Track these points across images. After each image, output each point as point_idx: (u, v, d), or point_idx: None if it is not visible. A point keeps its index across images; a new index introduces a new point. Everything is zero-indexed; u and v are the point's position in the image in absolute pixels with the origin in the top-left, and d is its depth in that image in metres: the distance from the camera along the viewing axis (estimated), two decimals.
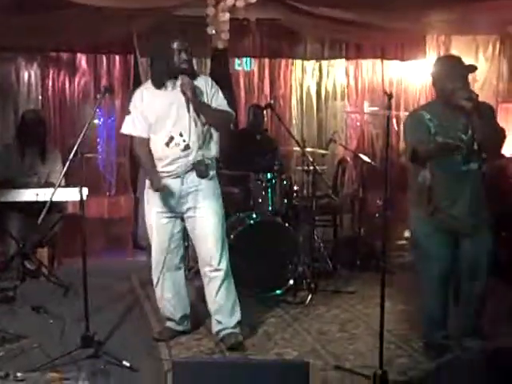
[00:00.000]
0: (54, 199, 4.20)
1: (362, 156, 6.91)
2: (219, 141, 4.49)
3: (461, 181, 3.97)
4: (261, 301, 5.44)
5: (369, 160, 6.90)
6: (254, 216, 5.75)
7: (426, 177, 4.00)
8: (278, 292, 5.63)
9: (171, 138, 4.27)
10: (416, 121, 4.08)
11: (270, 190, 5.93)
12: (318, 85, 8.08)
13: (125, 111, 4.58)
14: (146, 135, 4.37)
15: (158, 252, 4.48)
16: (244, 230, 5.59)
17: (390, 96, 3.84)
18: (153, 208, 4.44)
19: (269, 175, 5.96)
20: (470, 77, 4.06)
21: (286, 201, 6.05)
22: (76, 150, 4.06)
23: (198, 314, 4.86)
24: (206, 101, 4.34)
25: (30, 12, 6.11)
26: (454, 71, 3.98)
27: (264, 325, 4.93)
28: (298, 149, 6.24)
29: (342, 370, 4.02)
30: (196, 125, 4.25)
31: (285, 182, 6.06)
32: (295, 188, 6.28)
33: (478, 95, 3.87)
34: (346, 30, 7.31)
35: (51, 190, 4.44)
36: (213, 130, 4.39)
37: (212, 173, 4.42)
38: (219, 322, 4.44)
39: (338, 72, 8.10)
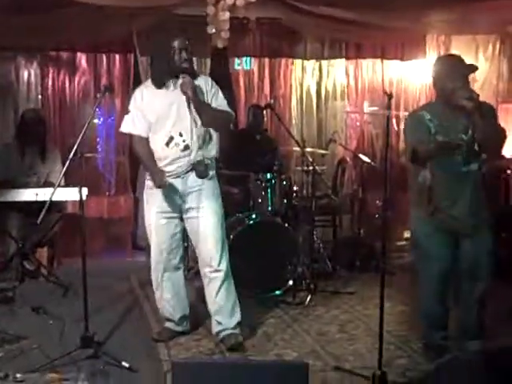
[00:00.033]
0: (53, 199, 4.22)
1: (361, 156, 6.91)
2: (219, 141, 4.49)
3: (461, 181, 3.96)
4: (260, 301, 5.44)
5: (368, 160, 6.90)
6: (254, 216, 5.75)
7: (426, 177, 3.99)
8: (277, 293, 5.62)
9: (171, 138, 4.27)
10: (416, 121, 4.07)
11: (269, 191, 5.93)
12: (318, 84, 8.06)
13: (125, 110, 4.57)
14: (145, 134, 4.36)
15: (157, 252, 4.47)
16: (243, 230, 5.59)
17: (389, 96, 3.84)
18: (152, 208, 4.43)
19: (268, 175, 5.95)
20: (470, 77, 4.05)
21: (285, 201, 6.05)
22: (76, 150, 4.06)
23: (197, 315, 4.85)
24: (206, 101, 4.34)
25: (30, 11, 6.10)
26: (454, 71, 3.96)
27: (263, 325, 4.92)
28: (297, 149, 6.24)
29: (342, 371, 4.02)
30: (196, 125, 4.25)
31: (284, 183, 6.06)
32: (295, 188, 6.27)
33: (478, 95, 3.85)
34: (346, 30, 7.30)
35: (51, 189, 4.44)
36: (212, 130, 4.38)
37: (212, 173, 4.41)
38: (219, 323, 4.43)
39: (337, 72, 8.08)
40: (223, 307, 4.42)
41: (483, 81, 7.63)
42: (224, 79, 7.07)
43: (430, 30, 7.67)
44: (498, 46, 7.89)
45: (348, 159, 7.53)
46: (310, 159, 5.85)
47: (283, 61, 7.92)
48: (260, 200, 5.93)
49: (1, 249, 6.22)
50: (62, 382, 3.76)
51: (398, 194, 6.74)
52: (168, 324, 4.65)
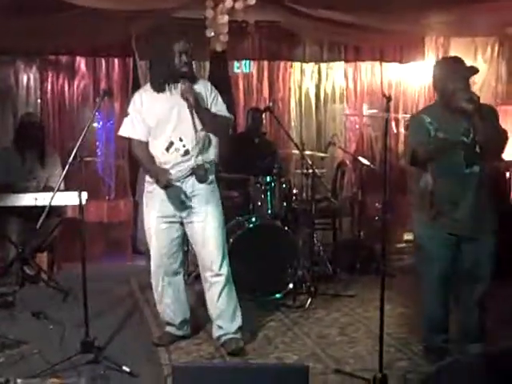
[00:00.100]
0: (53, 203, 4.20)
1: (361, 159, 6.91)
2: (218, 145, 4.48)
3: (463, 183, 3.94)
4: (260, 304, 5.44)
5: (368, 163, 6.90)
6: (254, 220, 5.75)
7: (427, 181, 3.98)
8: (277, 296, 5.62)
9: (171, 143, 4.26)
10: (416, 124, 4.07)
11: (269, 194, 5.92)
12: (317, 87, 8.06)
13: (124, 114, 4.56)
14: (144, 139, 4.35)
15: (157, 257, 4.47)
16: (243, 233, 5.58)
17: (388, 98, 3.84)
18: (152, 212, 4.42)
19: (268, 178, 5.95)
20: (470, 79, 4.04)
21: (285, 204, 6.05)
22: (75, 154, 4.06)
23: (197, 319, 4.85)
24: (205, 106, 4.33)
25: (29, 15, 6.10)
26: (455, 73, 3.94)
27: (264, 329, 4.92)
28: (297, 152, 6.24)
29: (342, 374, 4.02)
30: (196, 130, 4.24)
31: (284, 186, 6.05)
32: (294, 191, 6.28)
33: (479, 97, 3.84)
34: (344, 33, 7.30)
35: (50, 194, 4.44)
36: (212, 135, 4.38)
37: (211, 177, 4.41)
38: (220, 327, 4.43)
39: (336, 74, 8.09)
40: (224, 312, 4.42)
41: (482, 83, 7.62)
42: (223, 82, 7.08)
43: (429, 32, 7.67)
44: (496, 48, 7.89)
45: (347, 162, 7.53)
46: (310, 162, 5.84)
47: (282, 64, 7.93)
48: (260, 203, 5.93)
49: (1, 254, 6.21)
50: None
51: (398, 197, 6.76)
52: (168, 328, 4.64)
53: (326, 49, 7.91)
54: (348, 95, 8.11)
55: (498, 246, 4.04)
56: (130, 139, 4.43)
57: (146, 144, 4.36)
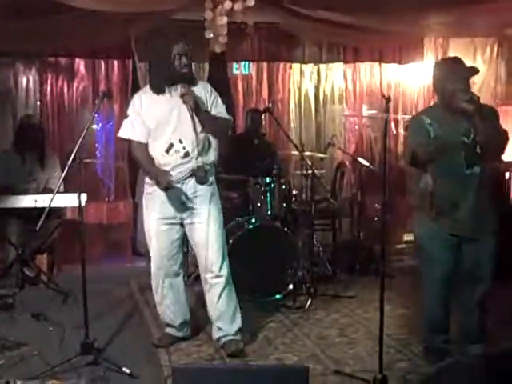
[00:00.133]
0: (52, 205, 4.21)
1: (360, 160, 6.91)
2: (218, 146, 4.48)
3: (464, 184, 3.94)
4: (260, 305, 5.44)
5: (367, 164, 6.90)
6: (253, 221, 5.75)
7: (428, 182, 3.98)
8: (277, 297, 5.62)
9: (171, 145, 4.26)
10: (416, 125, 4.06)
11: (268, 195, 5.92)
12: (317, 88, 8.06)
13: (123, 116, 4.56)
14: (144, 140, 4.35)
15: (157, 259, 4.47)
16: (243, 234, 5.59)
17: (388, 99, 3.84)
18: (152, 213, 4.42)
19: (267, 179, 5.95)
20: (470, 79, 4.03)
21: (284, 205, 6.05)
22: (75, 156, 4.06)
23: (197, 320, 4.86)
24: (205, 108, 4.33)
25: (28, 17, 6.10)
26: (455, 73, 3.93)
27: (264, 330, 4.92)
28: (296, 153, 6.24)
29: (342, 375, 4.02)
30: (196, 131, 4.24)
31: (283, 187, 6.06)
32: (294, 192, 6.28)
33: (479, 97, 3.83)
34: (343, 34, 7.30)
35: (50, 195, 4.44)
36: (211, 136, 4.38)
37: (211, 179, 4.41)
38: (220, 329, 4.43)
39: (336, 75, 8.09)
40: (224, 313, 4.42)
41: (481, 83, 7.62)
42: (222, 84, 7.08)
43: (428, 33, 7.67)
44: (495, 48, 7.89)
45: (347, 163, 7.53)
46: (309, 163, 5.84)
47: (281, 65, 7.92)
48: (259, 204, 5.93)
49: (0, 255, 6.20)
50: None
51: (397, 198, 6.76)
52: (168, 330, 4.64)
53: (325, 50, 7.90)
54: (347, 96, 8.10)
55: (499, 246, 4.04)
56: (129, 141, 4.43)
57: (146, 146, 4.36)
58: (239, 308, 4.51)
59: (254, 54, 7.71)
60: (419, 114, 4.30)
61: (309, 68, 8.00)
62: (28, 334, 4.69)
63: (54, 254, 6.52)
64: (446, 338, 4.17)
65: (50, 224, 5.81)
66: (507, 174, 6.59)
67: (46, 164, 6.24)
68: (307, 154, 6.32)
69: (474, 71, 4.05)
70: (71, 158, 4.04)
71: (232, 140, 6.51)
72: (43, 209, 4.15)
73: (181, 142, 4.26)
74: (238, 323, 4.46)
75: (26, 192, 5.87)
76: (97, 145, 7.65)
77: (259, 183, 5.94)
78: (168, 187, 4.20)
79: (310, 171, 5.83)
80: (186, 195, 4.31)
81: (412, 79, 8.07)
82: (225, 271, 4.39)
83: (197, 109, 4.20)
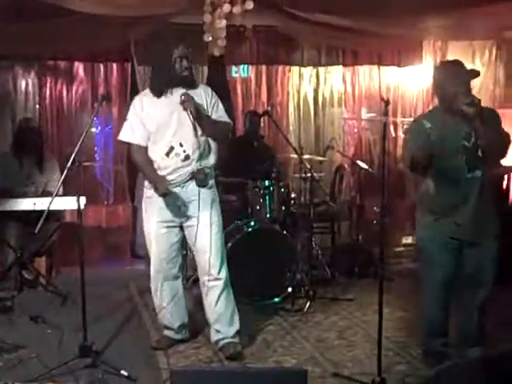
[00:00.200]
0: (51, 208, 4.21)
1: (359, 163, 6.91)
2: (217, 149, 4.48)
3: (465, 188, 3.92)
4: (259, 308, 5.44)
5: (366, 167, 6.90)
6: (252, 224, 5.75)
7: (429, 185, 3.98)
8: (276, 300, 5.62)
9: (171, 148, 4.27)
10: (416, 130, 4.04)
11: (267, 198, 5.93)
12: (315, 91, 8.08)
13: (122, 119, 4.56)
14: (144, 144, 4.35)
15: (156, 262, 4.47)
16: (242, 237, 5.59)
17: (386, 102, 3.85)
18: (151, 217, 4.42)
19: (266, 182, 5.96)
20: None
21: (283, 208, 6.05)
22: (73, 159, 4.07)
23: (196, 323, 4.86)
24: (206, 112, 4.34)
25: (27, 20, 6.10)
26: (455, 76, 3.92)
27: (262, 333, 4.92)
28: (295, 156, 6.24)
29: (341, 378, 4.03)
30: (196, 135, 4.24)
31: (282, 190, 6.06)
32: (293, 195, 6.28)
33: (480, 100, 3.81)
34: (342, 37, 7.30)
35: (49, 198, 4.44)
36: (211, 140, 4.38)
37: (211, 182, 4.41)
38: (218, 332, 4.43)
39: (335, 78, 8.11)
40: (222, 316, 4.42)
41: (480, 86, 7.60)
42: (221, 87, 7.07)
43: (427, 36, 7.68)
44: (494, 51, 7.90)
45: (346, 166, 7.54)
46: (308, 166, 5.85)
47: (280, 68, 7.94)
48: (258, 207, 5.93)
49: None
50: None
51: (396, 201, 6.76)
52: (167, 332, 4.64)
53: (324, 53, 7.92)
54: (346, 99, 8.12)
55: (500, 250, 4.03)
56: (129, 144, 4.44)
57: (146, 149, 4.36)
58: (237, 310, 4.51)
59: (252, 57, 7.72)
60: (419, 118, 4.27)
61: (308, 71, 8.02)
62: (26, 337, 4.69)
63: (53, 257, 6.51)
64: (445, 341, 4.16)
65: (49, 227, 5.81)
66: (506, 179, 6.58)
67: (44, 167, 6.24)
68: (306, 157, 6.31)
69: (475, 74, 4.04)
70: (70, 161, 4.05)
71: (231, 143, 6.50)
72: (42, 212, 4.15)
73: (181, 145, 4.26)
74: (237, 326, 4.46)
75: (24, 195, 5.87)
76: (96, 148, 7.66)
77: (258, 186, 5.94)
78: (165, 193, 4.21)
79: (308, 174, 5.84)
80: (183, 201, 4.31)
81: (411, 82, 8.08)
82: (223, 274, 4.39)
83: (198, 115, 4.20)
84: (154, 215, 4.40)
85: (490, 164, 4.04)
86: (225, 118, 4.48)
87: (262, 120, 7.00)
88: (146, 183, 4.44)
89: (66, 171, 4.07)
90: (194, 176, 4.29)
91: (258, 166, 6.31)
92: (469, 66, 4.11)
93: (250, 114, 6.94)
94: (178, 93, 4.25)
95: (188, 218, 4.36)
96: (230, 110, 6.42)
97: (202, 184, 4.29)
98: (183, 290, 4.67)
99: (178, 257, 4.53)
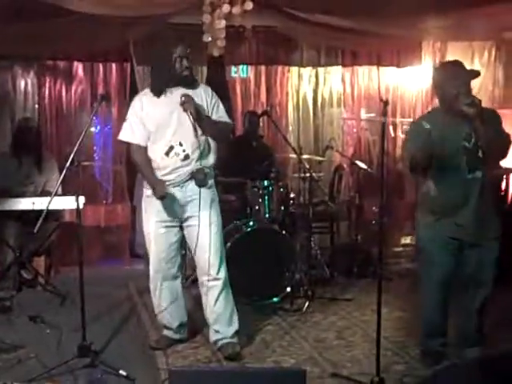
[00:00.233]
0: (50, 208, 4.21)
1: (358, 163, 6.91)
2: (217, 149, 4.48)
3: (466, 189, 3.91)
4: (258, 308, 5.44)
5: (365, 167, 6.90)
6: (251, 223, 5.76)
7: (430, 186, 3.98)
8: (275, 299, 5.62)
9: (171, 148, 4.26)
10: (415, 130, 4.04)
11: (266, 198, 5.93)
12: (315, 92, 8.09)
13: (121, 119, 4.56)
14: (144, 143, 4.35)
15: (155, 261, 4.47)
16: (241, 237, 5.59)
17: (386, 102, 3.85)
18: (151, 217, 4.42)
19: (265, 182, 5.96)
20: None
21: (282, 208, 6.06)
22: (72, 159, 4.06)
23: (195, 323, 4.85)
24: (206, 112, 4.34)
25: (27, 20, 6.09)
26: (456, 77, 3.90)
27: (261, 332, 4.92)
28: (294, 156, 6.25)
29: (339, 378, 4.03)
30: (196, 135, 4.24)
31: (281, 189, 6.07)
32: (292, 195, 6.28)
33: (480, 101, 3.80)
34: (342, 37, 7.31)
35: (48, 198, 4.44)
36: (211, 140, 4.39)
37: (210, 182, 4.41)
38: (217, 332, 4.43)
39: (334, 79, 8.12)
40: (221, 316, 4.42)
41: (479, 87, 7.60)
42: (221, 87, 7.06)
43: (426, 37, 7.68)
44: (493, 52, 7.91)
45: (345, 166, 7.54)
46: (307, 166, 5.86)
47: (280, 68, 7.94)
48: (257, 207, 5.94)
49: None
50: None
51: (395, 201, 6.76)
52: (166, 332, 4.64)
53: (323, 53, 7.93)
54: (345, 99, 8.13)
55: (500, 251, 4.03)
56: (128, 144, 4.44)
57: (145, 149, 4.36)
58: (236, 310, 4.51)
59: (252, 57, 7.72)
60: (419, 119, 4.26)
61: (307, 71, 8.02)
62: (25, 337, 4.69)
63: (52, 257, 6.51)
64: (444, 342, 4.16)
65: (48, 226, 5.81)
66: (504, 180, 6.58)
67: (43, 167, 6.24)
68: (305, 157, 6.32)
69: (475, 74, 4.03)
70: (69, 161, 4.04)
71: (230, 143, 6.51)
72: (41, 211, 4.14)
73: (181, 144, 4.26)
74: (235, 326, 4.46)
75: (23, 195, 5.87)
76: (95, 148, 7.66)
77: (257, 186, 5.94)
78: (163, 196, 4.21)
79: (307, 174, 5.84)
80: (182, 202, 4.31)
81: (410, 82, 8.09)
82: (222, 274, 4.39)
83: (198, 116, 4.20)
84: (153, 215, 4.40)
85: (491, 165, 4.03)
86: (225, 118, 4.48)
87: (261, 120, 7.00)
88: (145, 183, 4.45)
89: (65, 171, 4.06)
90: (193, 176, 4.29)
91: (257, 166, 6.31)
92: (468, 66, 4.11)
93: (250, 114, 6.95)
94: (177, 92, 4.25)
95: (187, 217, 4.37)
96: (229, 110, 6.42)
97: (201, 184, 4.29)
98: (182, 289, 4.67)
99: (177, 257, 4.53)
